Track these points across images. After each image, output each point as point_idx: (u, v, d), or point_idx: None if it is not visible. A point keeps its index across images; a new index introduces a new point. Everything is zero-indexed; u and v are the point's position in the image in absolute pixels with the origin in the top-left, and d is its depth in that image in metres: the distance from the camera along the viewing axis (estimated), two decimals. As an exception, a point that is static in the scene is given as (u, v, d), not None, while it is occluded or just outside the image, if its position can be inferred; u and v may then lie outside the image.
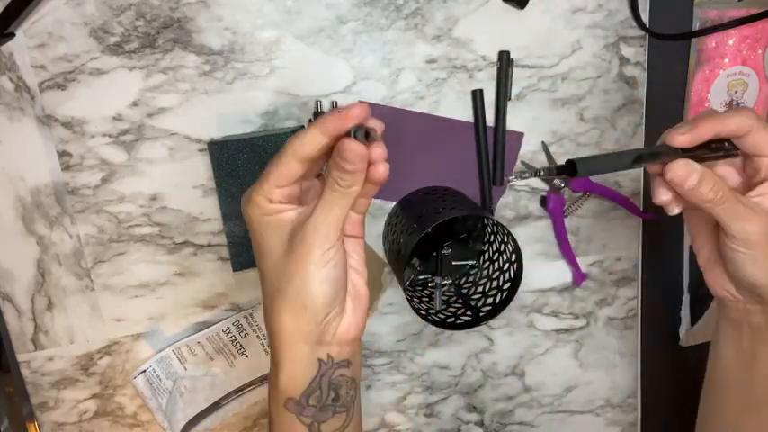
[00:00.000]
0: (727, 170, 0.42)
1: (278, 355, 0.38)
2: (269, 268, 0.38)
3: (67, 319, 0.59)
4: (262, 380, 0.64)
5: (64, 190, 0.56)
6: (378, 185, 0.38)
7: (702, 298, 0.70)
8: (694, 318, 0.72)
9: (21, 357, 0.59)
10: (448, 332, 0.66)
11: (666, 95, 0.63)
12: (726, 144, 0.40)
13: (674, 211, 0.41)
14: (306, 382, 0.38)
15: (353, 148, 0.35)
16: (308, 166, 0.37)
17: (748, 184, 0.41)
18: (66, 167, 0.55)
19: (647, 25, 0.60)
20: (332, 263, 0.37)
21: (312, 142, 0.36)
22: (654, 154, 0.38)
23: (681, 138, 0.38)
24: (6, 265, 0.56)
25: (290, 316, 0.37)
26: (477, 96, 0.59)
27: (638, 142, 0.63)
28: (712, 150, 0.39)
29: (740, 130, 0.38)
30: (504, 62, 0.58)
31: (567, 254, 0.65)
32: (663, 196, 0.40)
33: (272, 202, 0.37)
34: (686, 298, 0.70)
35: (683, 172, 0.37)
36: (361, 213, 0.40)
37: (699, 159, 0.38)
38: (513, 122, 0.60)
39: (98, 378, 0.61)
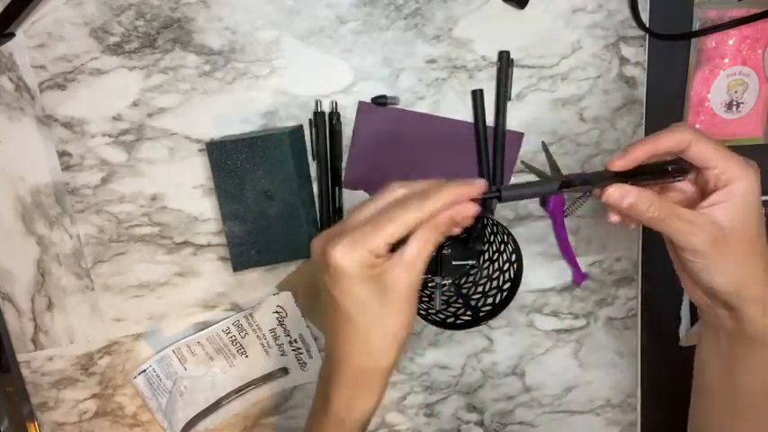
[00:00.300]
0: (682, 184, 0.43)
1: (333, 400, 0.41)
2: (365, 314, 0.38)
3: (67, 319, 0.59)
4: (261, 380, 0.64)
5: (64, 190, 0.56)
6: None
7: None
8: (694, 318, 0.72)
9: (21, 357, 0.59)
10: (448, 332, 0.66)
11: (666, 95, 0.63)
12: (670, 168, 0.41)
13: (631, 226, 0.43)
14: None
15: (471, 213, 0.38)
16: None
17: (702, 194, 0.41)
18: (67, 167, 0.55)
19: (647, 25, 0.60)
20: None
21: (435, 213, 0.37)
22: (585, 180, 0.40)
23: (617, 162, 0.39)
24: (6, 265, 0.56)
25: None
26: (477, 96, 0.59)
27: (638, 142, 0.63)
28: (662, 174, 0.41)
29: (677, 146, 0.39)
30: (504, 62, 0.58)
31: (567, 254, 0.65)
32: (612, 217, 0.42)
33: (379, 256, 0.36)
34: (686, 298, 0.70)
35: (618, 194, 0.39)
36: None
37: (644, 183, 0.40)
38: (513, 122, 0.60)
39: (98, 378, 0.61)
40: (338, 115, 0.57)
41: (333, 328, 0.39)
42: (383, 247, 0.36)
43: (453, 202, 0.37)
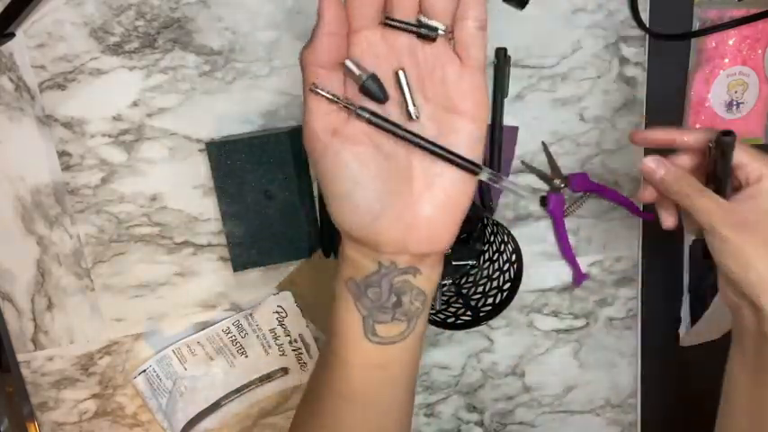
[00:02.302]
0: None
1: (342, 247, 0.35)
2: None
3: (67, 319, 0.59)
4: (261, 380, 0.64)
5: (64, 190, 0.56)
6: None
7: (702, 298, 0.70)
8: (694, 318, 0.72)
9: (21, 357, 0.59)
10: (448, 332, 0.66)
11: (667, 95, 0.63)
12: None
13: (666, 223, 0.47)
14: (366, 273, 0.34)
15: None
16: None
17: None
18: (67, 167, 0.55)
19: (647, 25, 0.60)
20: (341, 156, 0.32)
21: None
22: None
23: (636, 135, 0.47)
24: (6, 265, 0.56)
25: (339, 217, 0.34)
26: (477, 96, 0.59)
27: (638, 142, 0.64)
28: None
29: (700, 143, 0.43)
30: (501, 59, 0.58)
31: (567, 254, 0.65)
32: (645, 194, 0.45)
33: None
34: (686, 298, 0.70)
35: (654, 164, 0.43)
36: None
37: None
38: (512, 123, 0.60)
39: (98, 378, 0.61)
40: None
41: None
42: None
43: None
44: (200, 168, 0.57)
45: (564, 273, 0.66)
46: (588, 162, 0.63)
